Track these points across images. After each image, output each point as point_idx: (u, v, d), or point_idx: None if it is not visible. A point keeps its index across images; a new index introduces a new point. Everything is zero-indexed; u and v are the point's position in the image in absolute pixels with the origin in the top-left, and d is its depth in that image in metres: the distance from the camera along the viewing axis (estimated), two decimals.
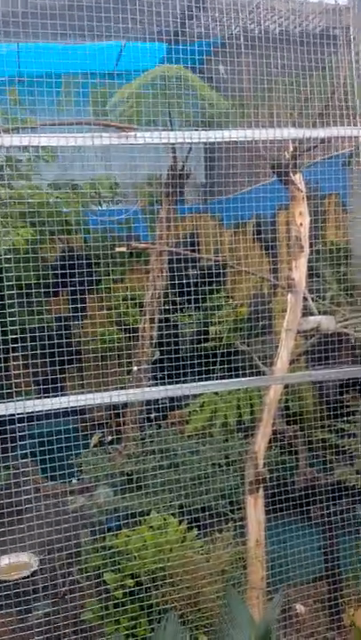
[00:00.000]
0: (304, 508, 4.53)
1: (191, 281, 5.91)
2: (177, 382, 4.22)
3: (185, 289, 5.70)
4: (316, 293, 6.10)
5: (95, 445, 5.96)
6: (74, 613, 3.69)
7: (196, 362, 5.28)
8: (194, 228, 7.78)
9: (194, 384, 4.13)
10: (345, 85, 4.46)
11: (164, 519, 4.15)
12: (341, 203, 7.41)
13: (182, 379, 4.35)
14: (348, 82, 4.75)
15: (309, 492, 4.51)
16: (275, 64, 4.50)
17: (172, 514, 4.33)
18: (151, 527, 4.03)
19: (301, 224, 4.57)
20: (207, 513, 4.23)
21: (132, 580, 3.66)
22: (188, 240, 7.71)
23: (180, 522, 4.19)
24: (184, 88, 5.10)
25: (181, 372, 4.48)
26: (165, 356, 6.42)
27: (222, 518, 4.20)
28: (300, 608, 4.85)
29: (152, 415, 5.95)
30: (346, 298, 6.54)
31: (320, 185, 5.94)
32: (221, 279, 7.85)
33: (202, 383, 4.00)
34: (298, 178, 4.66)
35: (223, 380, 4.19)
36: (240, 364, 4.76)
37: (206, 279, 7.43)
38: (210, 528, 4.11)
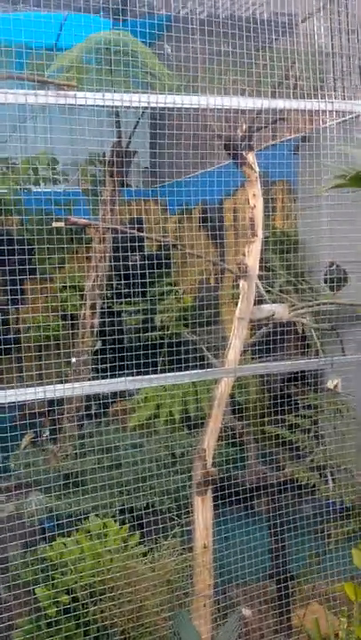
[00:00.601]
0: (254, 507, 4.29)
1: (138, 266, 5.54)
2: (120, 375, 3.89)
3: (130, 274, 5.34)
4: (264, 281, 5.87)
5: (26, 447, 5.52)
6: (4, 635, 3.30)
7: (141, 353, 4.92)
8: (139, 212, 7.40)
9: (138, 378, 3.80)
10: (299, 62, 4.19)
11: (104, 524, 3.80)
12: (291, 190, 7.20)
13: (125, 371, 4.00)
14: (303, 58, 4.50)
15: (260, 489, 4.26)
16: (225, 44, 4.20)
17: (113, 517, 3.98)
18: (89, 534, 3.67)
19: (255, 206, 4.28)
20: (151, 517, 3.91)
21: (66, 597, 3.30)
22: (136, 225, 7.32)
23: (122, 526, 3.85)
24: (131, 55, 4.71)
25: (125, 363, 4.12)
26: (108, 347, 6.06)
27: (168, 524, 3.89)
28: (245, 612, 4.62)
29: (92, 411, 5.57)
30: (295, 286, 6.35)
31: (269, 170, 5.66)
32: (166, 264, 7.52)
33: (148, 377, 3.67)
34: (251, 157, 4.37)
35: (172, 374, 3.86)
36: (188, 356, 4.46)
37: (153, 264, 7.09)
38: (154, 533, 3.78)
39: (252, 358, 5.20)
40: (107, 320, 5.85)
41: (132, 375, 3.86)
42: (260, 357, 4.97)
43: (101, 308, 6.27)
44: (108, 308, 6.32)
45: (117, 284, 5.90)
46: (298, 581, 4.53)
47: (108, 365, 3.80)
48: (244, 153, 4.36)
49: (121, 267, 5.73)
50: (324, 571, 4.34)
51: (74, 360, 5.71)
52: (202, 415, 4.60)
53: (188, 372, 3.67)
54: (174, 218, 9.04)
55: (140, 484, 4.23)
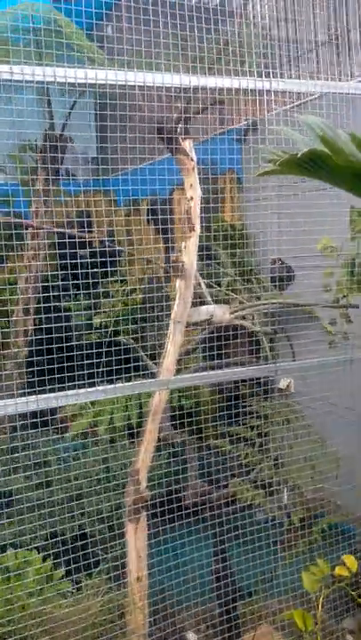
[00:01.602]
0: (194, 526, 3.91)
1: (78, 264, 5.05)
2: (51, 383, 3.45)
3: (67, 273, 4.85)
4: (210, 279, 5.49)
5: None
6: None
7: (72, 361, 4.44)
8: (85, 205, 6.91)
9: (62, 393, 3.36)
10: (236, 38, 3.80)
11: (24, 557, 3.35)
12: (237, 180, 6.85)
13: (59, 384, 3.56)
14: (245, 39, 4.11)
15: (200, 508, 3.88)
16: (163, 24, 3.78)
17: (37, 547, 3.54)
18: (6, 569, 3.21)
19: (192, 198, 3.88)
20: (80, 546, 3.48)
21: None
22: (75, 219, 6.80)
23: (44, 560, 3.41)
24: (55, 31, 4.23)
25: (55, 373, 3.67)
26: (34, 356, 5.57)
27: (98, 557, 3.46)
28: (191, 637, 4.25)
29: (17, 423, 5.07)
30: (243, 284, 6.00)
31: (214, 160, 5.27)
32: (110, 263, 7.05)
33: (72, 392, 3.23)
34: (188, 145, 3.97)
35: (102, 387, 3.43)
36: (127, 364, 4.04)
37: (96, 263, 6.61)
38: (82, 567, 3.36)
39: (198, 362, 4.83)
40: (35, 326, 5.34)
41: (68, 384, 3.44)
42: (206, 362, 4.60)
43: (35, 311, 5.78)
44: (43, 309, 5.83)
45: (53, 283, 5.43)
46: (245, 602, 4.18)
47: (35, 379, 3.34)
48: (180, 139, 3.97)
49: (58, 265, 5.25)
50: (275, 589, 4.01)
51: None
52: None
53: (116, 386, 3.25)
54: (122, 211, 8.59)
55: (70, 505, 3.79)
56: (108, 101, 3.87)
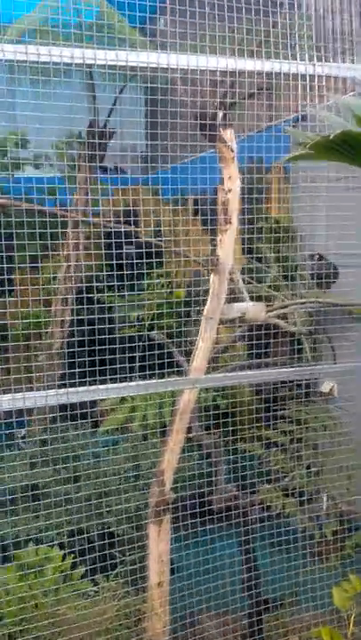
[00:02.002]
0: (222, 530, 3.75)
1: (118, 256, 4.96)
2: (83, 376, 3.38)
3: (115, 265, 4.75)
4: (251, 274, 5.30)
5: None
6: None
7: (108, 355, 4.34)
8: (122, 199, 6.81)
9: (92, 388, 3.26)
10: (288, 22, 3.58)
11: (45, 553, 3.28)
12: (285, 174, 6.60)
13: (97, 371, 3.49)
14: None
15: (229, 512, 3.72)
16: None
17: (60, 544, 3.47)
18: (23, 566, 3.14)
19: (230, 190, 3.72)
20: (107, 544, 3.38)
21: None
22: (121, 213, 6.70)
23: (65, 557, 3.33)
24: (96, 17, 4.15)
25: (95, 366, 3.59)
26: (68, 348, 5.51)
27: (118, 560, 3.34)
28: None
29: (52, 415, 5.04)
30: (286, 281, 5.77)
31: (262, 155, 5.05)
32: (154, 256, 6.93)
33: (93, 388, 3.14)
34: (229, 134, 3.80)
35: (134, 383, 3.31)
36: (161, 360, 3.92)
37: (141, 255, 6.51)
38: (103, 566, 3.26)
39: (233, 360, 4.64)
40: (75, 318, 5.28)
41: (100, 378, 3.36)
42: (239, 362, 4.43)
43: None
44: (80, 301, 5.77)
45: (96, 275, 5.36)
46: (273, 614, 4.00)
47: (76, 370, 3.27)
48: (221, 128, 3.81)
49: (93, 256, 5.16)
50: (305, 602, 3.81)
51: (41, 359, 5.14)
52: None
53: (139, 383, 3.13)
54: (168, 207, 8.46)
55: (96, 502, 3.70)
56: (152, 85, 3.75)
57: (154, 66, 3.24)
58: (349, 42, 4.02)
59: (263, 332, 3.92)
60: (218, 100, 3.77)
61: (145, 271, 6.86)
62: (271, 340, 4.08)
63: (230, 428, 3.93)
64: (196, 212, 7.46)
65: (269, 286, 5.54)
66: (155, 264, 6.83)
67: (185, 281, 7.45)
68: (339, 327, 3.90)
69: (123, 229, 5.79)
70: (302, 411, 4.02)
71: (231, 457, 4.02)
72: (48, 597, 2.96)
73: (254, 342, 4.33)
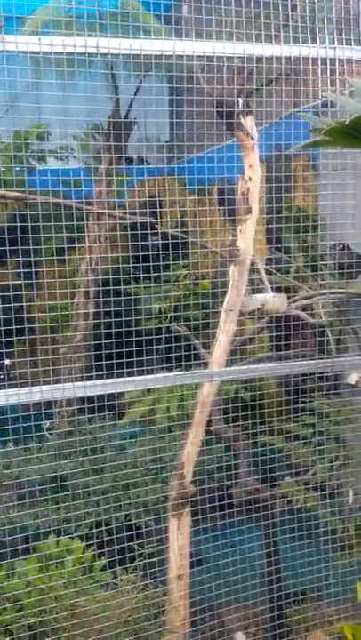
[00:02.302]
0: (244, 523, 3.72)
1: (141, 248, 4.92)
2: (111, 369, 3.37)
3: (140, 257, 4.72)
4: (274, 265, 5.22)
5: None
6: None
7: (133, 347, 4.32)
8: (155, 190, 6.77)
9: (110, 381, 3.24)
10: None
11: (66, 545, 3.30)
12: (312, 164, 6.48)
13: (117, 364, 3.47)
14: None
15: (250, 505, 3.69)
16: None
17: (82, 535, 3.49)
18: (44, 558, 3.16)
19: (250, 179, 3.65)
20: (125, 536, 3.39)
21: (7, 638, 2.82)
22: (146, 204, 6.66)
23: (86, 548, 3.34)
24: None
25: (116, 359, 3.58)
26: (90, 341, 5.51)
27: (137, 552, 3.34)
28: (240, 637, 4.09)
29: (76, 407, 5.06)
30: (311, 272, 5.67)
31: (285, 143, 4.96)
32: (178, 247, 6.89)
33: (110, 381, 3.13)
34: (249, 121, 3.73)
35: (152, 376, 3.30)
36: (182, 351, 3.88)
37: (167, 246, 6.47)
38: (123, 558, 3.26)
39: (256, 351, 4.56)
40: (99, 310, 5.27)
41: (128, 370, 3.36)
42: (261, 354, 4.38)
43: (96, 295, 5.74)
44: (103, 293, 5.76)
45: (117, 267, 5.34)
46: (297, 608, 3.96)
47: (104, 362, 3.27)
48: (241, 115, 3.74)
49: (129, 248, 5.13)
50: (328, 596, 3.76)
51: (7, 362, 5.17)
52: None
53: (157, 376, 3.11)
54: (192, 197, 8.41)
55: (117, 494, 3.71)
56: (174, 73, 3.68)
57: (170, 54, 3.17)
58: None
59: (285, 323, 3.86)
60: (237, 87, 3.69)
61: (170, 262, 6.83)
62: (291, 332, 4.01)
63: (251, 421, 3.88)
64: (219, 202, 7.41)
65: (294, 277, 5.46)
66: (180, 255, 6.79)
67: (209, 272, 7.41)
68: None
69: (146, 220, 5.75)
70: (324, 403, 3.95)
71: (251, 450, 3.98)
72: (68, 589, 2.97)
73: (275, 334, 4.27)
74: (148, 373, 3.62)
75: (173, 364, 3.65)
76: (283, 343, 4.00)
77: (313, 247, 5.81)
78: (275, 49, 2.94)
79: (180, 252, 6.68)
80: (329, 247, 4.12)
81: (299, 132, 4.57)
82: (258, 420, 3.77)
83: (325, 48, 3.20)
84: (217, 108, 3.66)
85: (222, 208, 7.04)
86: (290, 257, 5.66)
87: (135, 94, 5.69)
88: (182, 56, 3.26)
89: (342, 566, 3.41)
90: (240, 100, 3.71)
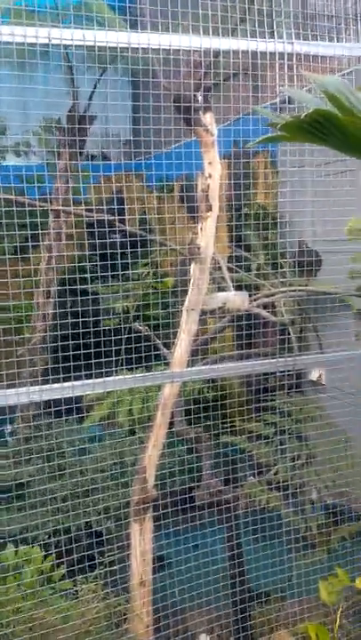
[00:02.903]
0: (206, 524, 3.66)
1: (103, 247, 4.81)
2: (71, 371, 3.26)
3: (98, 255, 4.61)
4: (236, 263, 5.20)
5: None
6: None
7: (92, 348, 4.22)
8: (118, 188, 6.65)
9: (68, 384, 3.13)
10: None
11: (25, 554, 3.19)
12: (271, 162, 6.49)
13: (77, 365, 3.36)
14: None
15: (212, 506, 3.64)
16: None
17: (40, 544, 3.38)
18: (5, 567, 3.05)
19: (210, 176, 3.59)
20: (85, 543, 3.29)
21: None
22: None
23: (46, 556, 3.24)
24: None
25: (77, 360, 3.46)
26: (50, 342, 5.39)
27: (98, 560, 3.25)
28: (204, 639, 4.04)
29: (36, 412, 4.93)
30: (271, 269, 5.67)
31: (243, 140, 4.92)
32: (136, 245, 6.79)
33: (68, 384, 3.02)
34: (208, 117, 3.67)
35: (111, 378, 3.19)
36: (143, 352, 3.79)
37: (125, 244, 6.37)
38: (84, 567, 3.17)
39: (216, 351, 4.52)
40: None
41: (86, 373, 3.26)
42: (222, 353, 4.33)
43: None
44: (63, 292, 5.63)
45: (76, 265, 5.21)
46: (262, 609, 3.93)
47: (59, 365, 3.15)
48: (200, 111, 3.68)
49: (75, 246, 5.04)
50: (290, 594, 3.75)
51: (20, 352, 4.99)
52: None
53: (116, 379, 3.02)
54: (154, 194, 8.33)
55: (77, 500, 3.61)
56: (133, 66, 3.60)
57: (125, 46, 3.06)
58: (333, 20, 3.88)
59: (247, 322, 3.81)
60: (195, 81, 3.62)
61: (130, 261, 6.73)
62: (253, 331, 3.98)
63: (213, 422, 3.83)
64: (181, 200, 7.36)
65: (255, 275, 5.44)
66: (140, 254, 6.70)
67: (171, 270, 7.35)
68: (326, 316, 3.80)
69: (106, 219, 5.64)
70: (286, 402, 3.93)
71: (214, 450, 3.94)
72: (27, 600, 2.87)
73: (236, 333, 4.22)
74: (107, 375, 3.53)
75: (134, 365, 3.57)
76: (244, 342, 3.96)
77: (274, 245, 5.81)
78: (232, 43, 2.87)
79: (141, 250, 6.60)
80: (289, 245, 4.09)
81: (258, 129, 4.53)
82: (220, 421, 3.73)
83: (283, 43, 3.15)
84: (175, 103, 3.59)
85: (184, 205, 6.99)
86: (252, 254, 5.65)
87: (95, 88, 5.57)
88: (139, 49, 3.17)
89: (305, 566, 3.39)
90: (199, 95, 3.65)
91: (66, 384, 3.14)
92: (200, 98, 3.71)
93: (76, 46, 3.13)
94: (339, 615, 3.18)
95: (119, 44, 2.98)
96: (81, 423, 5.41)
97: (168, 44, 2.84)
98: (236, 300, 3.39)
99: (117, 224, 5.74)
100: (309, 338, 4.68)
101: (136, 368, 4.15)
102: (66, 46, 3.25)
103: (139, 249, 6.18)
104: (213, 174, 3.60)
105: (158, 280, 7.29)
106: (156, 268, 7.27)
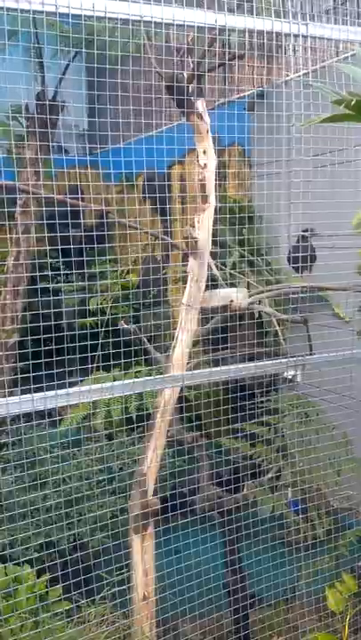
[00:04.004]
0: (206, 531, 3.49)
1: (70, 239, 4.53)
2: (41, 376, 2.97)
3: (62, 250, 4.32)
4: (216, 261, 5.04)
5: None
6: None
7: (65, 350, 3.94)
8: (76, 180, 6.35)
9: (51, 393, 2.83)
10: None
11: (14, 572, 2.93)
12: (243, 154, 6.36)
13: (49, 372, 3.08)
14: None
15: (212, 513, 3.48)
16: None
17: (29, 560, 3.12)
18: None
19: (206, 166, 3.42)
20: (79, 560, 3.05)
21: None
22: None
23: (38, 576, 2.99)
24: None
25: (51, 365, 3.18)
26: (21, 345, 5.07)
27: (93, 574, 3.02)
28: None
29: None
30: (250, 266, 5.55)
31: (218, 134, 4.75)
32: (105, 238, 6.53)
33: (62, 392, 2.76)
34: (201, 104, 3.50)
35: (108, 384, 2.92)
36: (129, 353, 3.56)
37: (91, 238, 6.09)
38: (80, 585, 2.93)
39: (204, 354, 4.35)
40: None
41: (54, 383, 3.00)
42: (209, 353, 4.17)
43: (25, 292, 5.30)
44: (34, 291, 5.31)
45: (44, 261, 4.92)
46: (261, 616, 3.80)
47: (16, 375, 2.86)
48: (192, 99, 3.50)
49: (47, 240, 4.73)
50: (292, 601, 3.63)
51: None
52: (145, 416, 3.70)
53: (114, 384, 2.77)
54: (115, 187, 8.07)
55: (62, 512, 3.35)
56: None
57: (100, 14, 2.66)
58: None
59: (241, 322, 3.66)
60: (186, 72, 3.43)
61: (96, 258, 6.47)
62: (250, 331, 3.84)
63: (201, 423, 3.67)
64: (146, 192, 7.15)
65: (235, 270, 5.31)
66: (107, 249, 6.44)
67: (138, 265, 7.13)
68: (317, 314, 3.70)
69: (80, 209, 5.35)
70: (278, 400, 3.82)
71: (209, 453, 3.78)
72: (26, 630, 2.62)
73: (227, 335, 4.06)
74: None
75: (124, 371, 3.35)
76: (236, 343, 3.80)
77: (251, 239, 5.70)
78: (247, 21, 2.65)
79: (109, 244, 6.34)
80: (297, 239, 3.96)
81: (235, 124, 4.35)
82: (210, 422, 3.56)
83: (298, 24, 2.89)
84: (168, 89, 3.39)
85: (151, 199, 6.78)
86: (244, 250, 5.50)
87: (64, 73, 5.28)
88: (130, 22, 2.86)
89: (314, 573, 3.28)
90: (192, 86, 3.46)
91: (49, 393, 2.82)
92: (192, 85, 3.53)
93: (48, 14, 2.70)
94: (347, 623, 3.09)
95: (118, 14, 2.67)
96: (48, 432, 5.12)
97: (182, 18, 2.56)
98: (238, 297, 3.23)
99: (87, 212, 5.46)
100: (295, 336, 4.57)
101: (125, 373, 3.93)
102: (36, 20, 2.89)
103: (107, 245, 5.94)
104: (209, 164, 3.43)
105: (124, 278, 7.07)
106: (123, 264, 7.05)
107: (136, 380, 2.78)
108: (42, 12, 2.44)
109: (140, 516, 3.00)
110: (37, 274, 4.76)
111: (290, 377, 4.43)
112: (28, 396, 2.70)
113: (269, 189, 4.37)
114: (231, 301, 3.15)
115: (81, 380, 4.25)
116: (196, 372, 2.97)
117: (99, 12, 2.68)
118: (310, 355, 3.65)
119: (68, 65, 5.21)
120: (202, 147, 3.47)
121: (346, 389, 3.59)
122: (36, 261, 5.39)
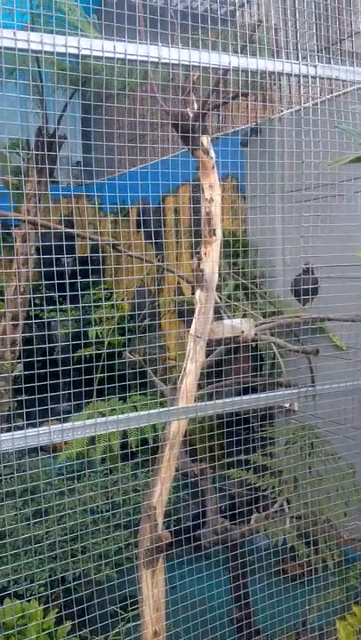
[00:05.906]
0: (212, 566, 3.45)
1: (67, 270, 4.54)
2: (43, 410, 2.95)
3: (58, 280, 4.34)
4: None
5: None
6: None
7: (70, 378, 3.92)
8: (70, 211, 6.42)
9: (57, 427, 2.80)
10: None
11: (22, 609, 2.87)
12: (238, 188, 6.49)
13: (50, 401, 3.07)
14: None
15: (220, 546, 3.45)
16: None
17: (33, 595, 3.06)
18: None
19: (212, 199, 3.49)
20: (84, 596, 3.00)
21: None
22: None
23: (46, 612, 2.93)
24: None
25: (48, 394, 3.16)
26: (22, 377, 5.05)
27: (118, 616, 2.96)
28: None
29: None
30: (245, 296, 5.61)
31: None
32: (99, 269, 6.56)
33: (81, 423, 2.75)
34: (206, 141, 3.59)
35: (114, 417, 2.90)
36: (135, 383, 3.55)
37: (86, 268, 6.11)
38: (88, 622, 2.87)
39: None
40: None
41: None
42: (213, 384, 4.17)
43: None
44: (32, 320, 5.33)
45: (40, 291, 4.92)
46: None
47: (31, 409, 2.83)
48: (198, 135, 3.59)
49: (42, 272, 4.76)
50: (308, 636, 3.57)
51: None
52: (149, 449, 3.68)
53: (119, 417, 2.76)
54: (109, 218, 8.17)
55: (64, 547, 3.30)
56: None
57: (98, 54, 2.72)
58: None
59: (246, 353, 3.70)
60: (192, 109, 3.53)
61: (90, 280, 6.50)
62: (251, 364, 3.87)
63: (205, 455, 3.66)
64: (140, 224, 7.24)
65: (228, 300, 5.36)
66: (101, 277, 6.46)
67: (130, 293, 7.17)
68: (320, 345, 3.74)
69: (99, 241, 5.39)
70: (280, 431, 3.83)
71: (211, 485, 3.75)
72: None
73: (234, 366, 4.07)
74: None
75: (128, 404, 3.34)
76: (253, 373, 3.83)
77: (248, 271, 5.78)
78: (259, 63, 2.77)
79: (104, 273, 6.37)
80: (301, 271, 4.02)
81: (225, 154, 4.44)
82: (216, 454, 3.55)
83: (307, 66, 3.02)
84: (174, 127, 3.48)
85: (145, 231, 6.87)
86: (246, 281, 5.56)
87: (64, 110, 5.39)
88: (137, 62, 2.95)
89: (326, 606, 3.24)
90: (197, 122, 3.55)
91: (55, 427, 2.79)
92: (199, 124, 3.62)
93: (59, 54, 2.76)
94: None
95: (127, 55, 2.76)
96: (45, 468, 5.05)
97: (197, 60, 2.66)
98: (245, 327, 3.27)
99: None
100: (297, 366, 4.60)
101: (134, 406, 3.91)
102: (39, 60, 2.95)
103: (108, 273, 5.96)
104: (215, 198, 3.51)
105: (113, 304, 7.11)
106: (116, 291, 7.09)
107: (151, 411, 2.78)
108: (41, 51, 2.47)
109: (151, 549, 2.96)
110: (33, 308, 4.78)
111: (287, 407, 4.46)
112: (9, 434, 2.65)
113: (265, 222, 4.48)
114: (242, 332, 3.19)
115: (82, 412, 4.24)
116: (209, 403, 2.98)
117: (108, 53, 2.77)
118: (313, 385, 3.69)
119: (66, 104, 5.32)
120: (208, 181, 3.55)
121: (349, 420, 3.62)
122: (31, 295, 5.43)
